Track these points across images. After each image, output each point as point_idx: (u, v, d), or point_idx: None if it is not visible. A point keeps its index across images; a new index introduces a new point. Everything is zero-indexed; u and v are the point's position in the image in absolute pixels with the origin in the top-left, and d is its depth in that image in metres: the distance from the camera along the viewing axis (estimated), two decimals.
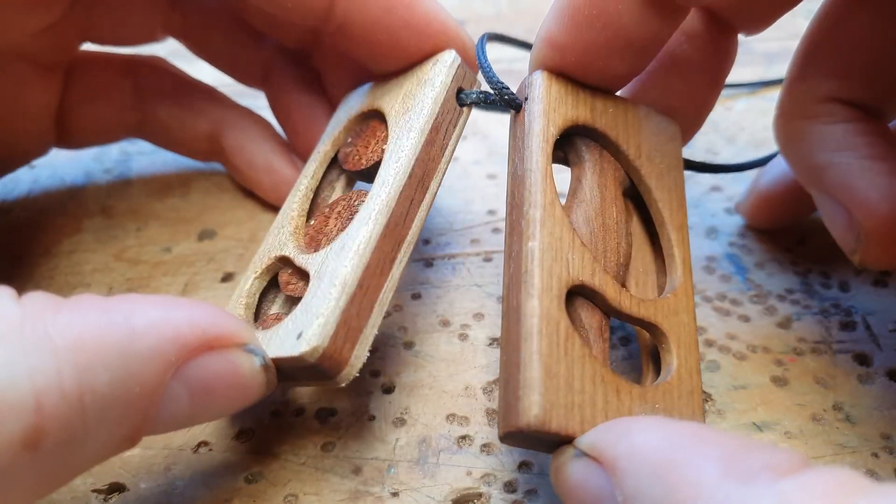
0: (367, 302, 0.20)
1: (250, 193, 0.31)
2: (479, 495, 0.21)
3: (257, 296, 0.23)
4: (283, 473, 0.21)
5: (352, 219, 0.21)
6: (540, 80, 0.22)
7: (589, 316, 0.20)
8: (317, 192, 0.25)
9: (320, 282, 0.20)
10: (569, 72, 0.22)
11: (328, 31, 0.24)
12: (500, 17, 0.43)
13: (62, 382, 0.14)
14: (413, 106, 0.22)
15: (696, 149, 0.33)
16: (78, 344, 0.15)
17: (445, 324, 0.26)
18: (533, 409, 0.17)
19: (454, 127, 0.23)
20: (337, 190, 0.25)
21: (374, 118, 0.24)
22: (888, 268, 0.23)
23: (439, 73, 0.23)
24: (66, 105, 0.28)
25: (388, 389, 0.24)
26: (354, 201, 0.22)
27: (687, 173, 0.30)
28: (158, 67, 0.30)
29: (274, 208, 0.30)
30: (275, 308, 0.23)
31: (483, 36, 0.25)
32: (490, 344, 0.25)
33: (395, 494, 0.21)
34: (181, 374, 0.17)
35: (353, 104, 0.26)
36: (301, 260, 0.22)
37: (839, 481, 0.13)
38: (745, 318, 0.25)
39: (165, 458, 0.22)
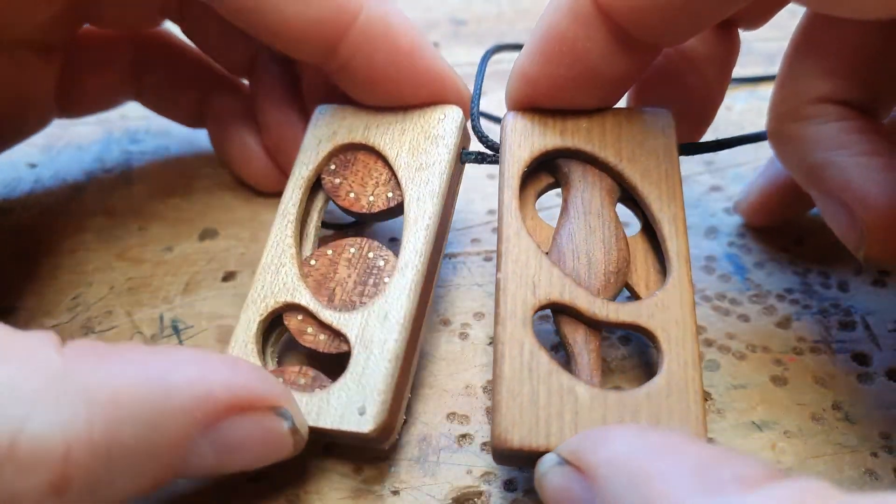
0: (407, 368, 0.21)
1: (252, 193, 0.31)
2: (480, 493, 0.21)
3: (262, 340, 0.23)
4: (285, 472, 0.21)
5: (373, 274, 0.22)
6: (505, 121, 0.23)
7: (572, 330, 0.21)
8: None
9: (369, 352, 0.21)
10: (540, 103, 0.23)
11: (328, 70, 0.25)
12: (500, 18, 0.43)
13: (92, 435, 0.15)
14: (427, 164, 0.23)
15: None
16: (112, 398, 0.16)
17: (446, 323, 0.26)
18: (496, 429, 0.19)
19: (458, 185, 0.25)
20: (313, 215, 0.25)
21: (362, 150, 0.25)
22: (894, 262, 0.22)
23: (450, 132, 0.24)
24: (68, 78, 0.29)
25: None
26: (367, 252, 0.23)
27: (687, 172, 0.30)
28: (157, 37, 0.31)
29: (274, 206, 0.30)
30: (269, 348, 0.23)
31: (475, 98, 0.25)
32: (490, 343, 0.25)
33: (395, 493, 0.21)
34: (209, 433, 0.17)
35: (338, 130, 0.25)
36: (328, 316, 0.22)
37: (806, 492, 0.13)
38: (745, 318, 0.25)
39: None
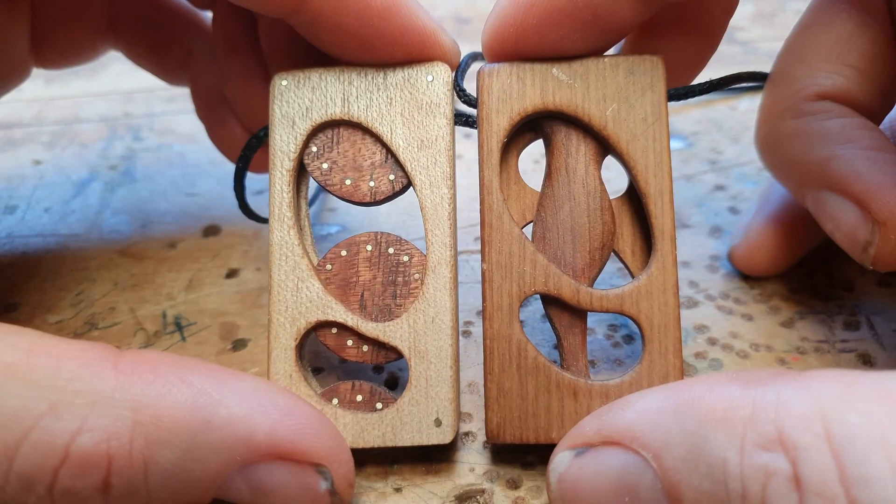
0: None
1: (256, 191, 0.31)
2: (482, 491, 0.21)
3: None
4: None
5: (399, 272, 0.22)
6: (482, 80, 0.21)
7: (558, 314, 0.21)
8: None
9: (427, 363, 0.21)
10: (522, 43, 0.21)
11: (295, 23, 0.22)
12: None
13: (132, 451, 0.16)
14: (428, 141, 0.22)
15: (700, 148, 0.33)
16: (155, 419, 0.16)
17: None
18: (488, 425, 0.20)
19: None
20: (302, 205, 0.23)
21: (344, 125, 0.22)
22: None
23: (443, 97, 0.22)
24: (41, 30, 0.28)
25: (392, 385, 0.24)
26: (386, 247, 0.22)
27: (691, 171, 0.30)
28: None
29: None
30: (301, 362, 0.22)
31: (465, 58, 0.24)
32: None
33: (398, 490, 0.21)
34: (245, 471, 0.17)
35: (311, 105, 0.22)
36: (371, 329, 0.21)
37: (839, 371, 0.15)
38: (749, 317, 0.25)
39: None
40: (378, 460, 0.22)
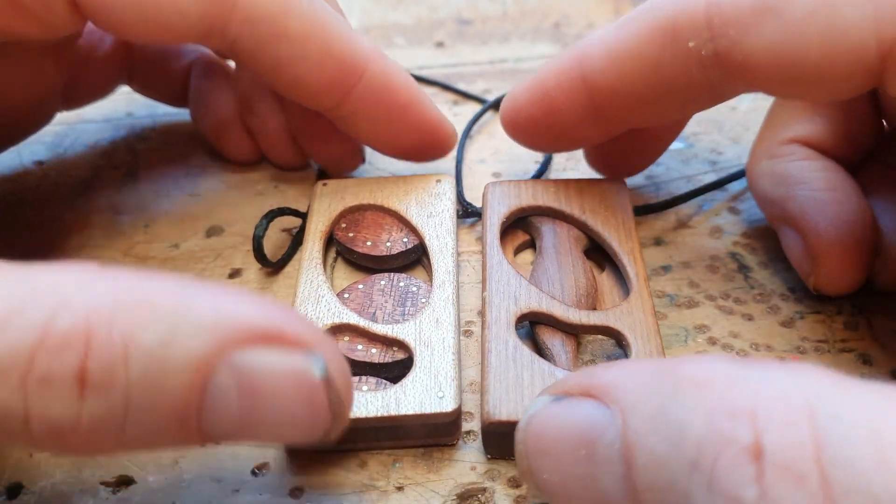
0: None
1: (258, 191, 0.31)
2: (483, 490, 0.21)
3: None
4: (289, 467, 0.22)
5: (409, 298, 0.25)
6: (486, 189, 0.28)
7: (550, 336, 0.24)
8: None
9: (431, 349, 0.23)
10: (512, 131, 0.27)
11: (332, 116, 0.27)
12: (506, 17, 0.43)
13: (112, 329, 0.16)
14: (435, 213, 0.27)
15: (700, 149, 0.33)
16: (137, 301, 0.16)
17: None
18: (484, 407, 0.21)
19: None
20: (327, 270, 0.26)
21: (370, 209, 0.28)
22: (839, 291, 0.25)
23: (448, 190, 0.28)
24: (73, 83, 0.30)
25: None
26: (398, 282, 0.25)
27: (691, 172, 0.30)
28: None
29: (280, 205, 0.30)
30: None
31: (458, 172, 0.31)
32: None
33: (399, 489, 0.21)
34: (229, 360, 0.16)
35: (345, 196, 0.28)
36: (380, 328, 0.23)
37: (826, 370, 0.14)
38: (749, 317, 0.26)
39: (174, 451, 0.22)
40: (380, 458, 0.22)
